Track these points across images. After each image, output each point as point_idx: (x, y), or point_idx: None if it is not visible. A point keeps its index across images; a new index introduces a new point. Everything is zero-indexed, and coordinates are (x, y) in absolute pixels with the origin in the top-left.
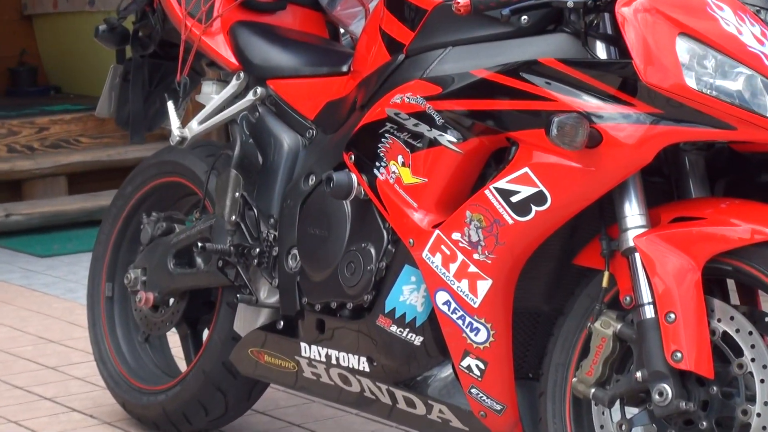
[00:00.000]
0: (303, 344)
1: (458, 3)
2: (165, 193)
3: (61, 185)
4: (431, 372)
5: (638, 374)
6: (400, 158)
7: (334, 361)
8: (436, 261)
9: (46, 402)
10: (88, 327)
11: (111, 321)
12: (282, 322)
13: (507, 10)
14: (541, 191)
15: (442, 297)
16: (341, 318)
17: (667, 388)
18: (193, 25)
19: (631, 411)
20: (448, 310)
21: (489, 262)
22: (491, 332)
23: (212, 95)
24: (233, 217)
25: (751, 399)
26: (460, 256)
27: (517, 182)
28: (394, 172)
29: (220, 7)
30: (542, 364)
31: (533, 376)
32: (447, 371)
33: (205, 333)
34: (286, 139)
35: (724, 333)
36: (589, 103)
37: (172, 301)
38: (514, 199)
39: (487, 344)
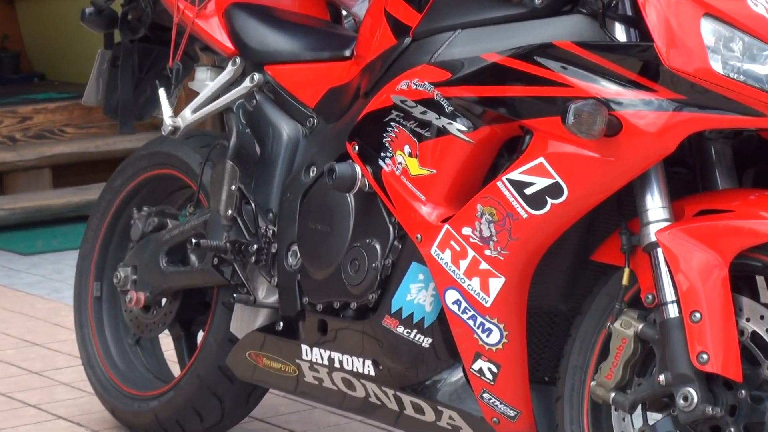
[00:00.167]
0: (304, 347)
1: None
2: (156, 187)
3: (45, 178)
4: (440, 376)
5: (661, 377)
6: (406, 148)
7: (337, 365)
8: (446, 257)
9: (30, 409)
10: (74, 329)
11: (99, 322)
12: (281, 323)
13: None
14: (556, 183)
15: (451, 296)
16: (344, 318)
17: (693, 392)
18: (186, 8)
19: (654, 417)
20: (459, 309)
21: (501, 258)
22: (504, 333)
23: (206, 82)
24: (229, 211)
25: None
26: (471, 253)
27: (531, 173)
28: (400, 163)
29: None
30: (559, 367)
31: (549, 379)
32: (457, 375)
33: (200, 335)
34: (286, 128)
35: (754, 333)
36: (608, 88)
37: (164, 301)
38: (528, 191)
39: (499, 346)
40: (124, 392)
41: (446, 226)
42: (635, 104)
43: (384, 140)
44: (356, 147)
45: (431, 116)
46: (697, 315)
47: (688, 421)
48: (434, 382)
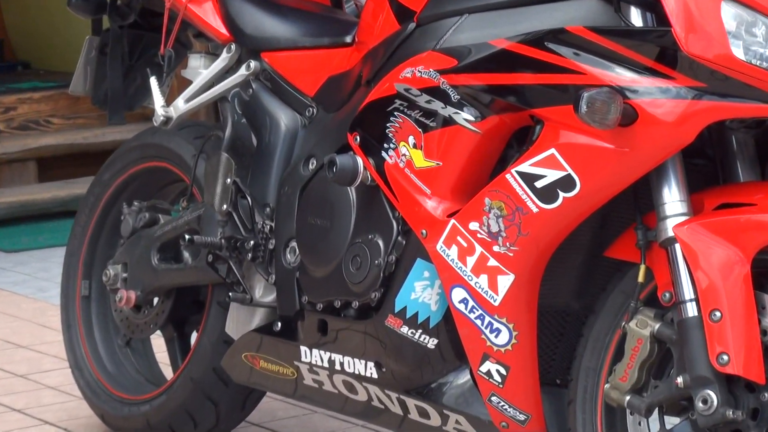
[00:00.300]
0: (303, 348)
1: None
2: (148, 180)
3: (30, 171)
4: (447, 378)
5: (679, 379)
6: (411, 139)
7: (338, 367)
8: (452, 254)
9: (15, 414)
10: (61, 330)
11: (88, 323)
12: (279, 324)
13: None
14: (568, 175)
15: (458, 294)
16: (346, 318)
17: (712, 395)
18: None
19: (671, 421)
20: (466, 308)
21: (511, 255)
22: (513, 333)
23: (200, 70)
24: (224, 206)
25: None
26: (479, 249)
27: (542, 165)
28: (404, 155)
29: None
30: (571, 368)
31: (561, 382)
32: (464, 377)
33: (194, 336)
34: (283, 118)
35: None
36: (623, 76)
37: (156, 300)
38: (538, 184)
39: (509, 347)
40: (114, 396)
41: (453, 221)
42: (652, 92)
43: (387, 131)
44: (358, 138)
45: (437, 105)
46: (717, 314)
47: (708, 426)
48: (440, 385)
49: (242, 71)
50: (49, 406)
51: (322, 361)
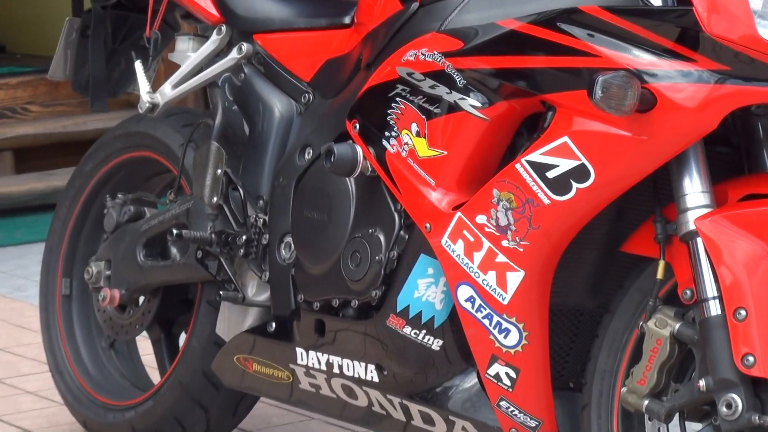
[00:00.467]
0: (299, 350)
1: None
2: (133, 171)
3: (6, 162)
4: (452, 382)
5: (701, 382)
6: (413, 127)
7: (336, 370)
8: (458, 249)
9: None
10: (41, 331)
11: (69, 324)
12: (274, 324)
13: None
14: (582, 165)
15: (464, 292)
16: (344, 318)
17: (737, 399)
18: None
19: (693, 427)
20: (472, 307)
21: (521, 250)
22: (524, 334)
23: (188, 53)
24: (215, 198)
25: None
26: (486, 244)
27: (554, 154)
28: (406, 144)
29: None
30: (585, 371)
31: (574, 385)
32: (471, 381)
33: (182, 337)
34: (278, 104)
35: None
36: (641, 58)
37: (142, 299)
38: (550, 174)
39: (518, 348)
40: (97, 402)
41: (458, 213)
42: (671, 76)
43: (388, 118)
44: (357, 126)
45: (441, 91)
46: (742, 312)
47: (733, 431)
48: (445, 389)
49: (233, 54)
50: (28, 412)
51: (319, 363)
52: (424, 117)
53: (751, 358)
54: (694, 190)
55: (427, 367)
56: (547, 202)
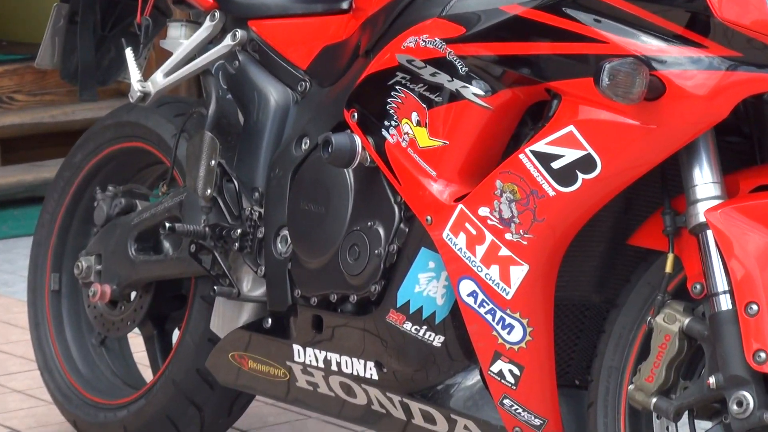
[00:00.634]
0: (296, 347)
1: None
2: (123, 162)
3: None
4: (454, 379)
5: (711, 380)
6: (414, 116)
7: (334, 367)
8: (460, 242)
9: None
10: (29, 328)
11: (58, 320)
12: (270, 320)
13: None
14: (588, 155)
15: (467, 287)
16: (343, 314)
17: (748, 397)
18: None
19: (703, 425)
20: (475, 302)
21: (525, 243)
22: (528, 330)
23: (180, 40)
24: (208, 190)
25: None
26: (489, 237)
27: (559, 144)
28: (407, 134)
29: None
30: (591, 368)
31: (580, 383)
32: (473, 378)
33: (176, 334)
34: (273, 93)
35: None
36: (649, 44)
37: (133, 295)
38: (555, 164)
39: (522, 344)
40: (88, 400)
41: (460, 206)
42: (681, 63)
43: (388, 107)
44: (355, 115)
45: (443, 78)
46: (754, 307)
47: (743, 430)
48: (447, 387)
49: (227, 41)
50: (16, 411)
51: (316, 360)
52: (424, 106)
53: (763, 355)
54: (705, 181)
55: (428, 364)
56: (552, 193)
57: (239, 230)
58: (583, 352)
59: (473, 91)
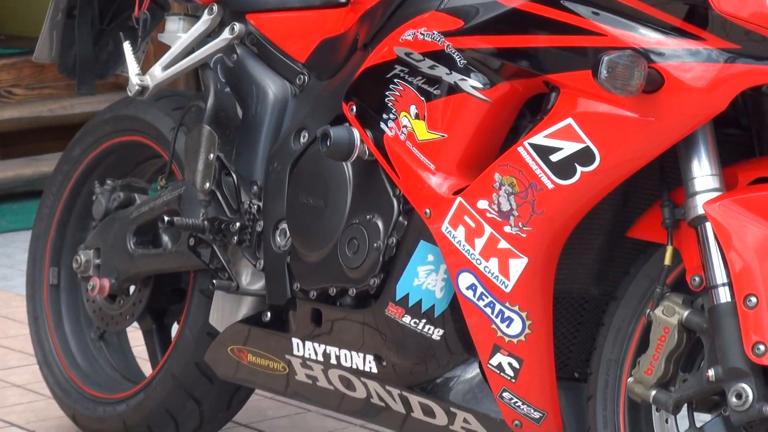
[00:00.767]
0: (295, 340)
1: None
2: (122, 156)
3: None
4: (453, 372)
5: (710, 372)
6: (412, 109)
7: (333, 361)
8: (459, 235)
9: None
10: (28, 322)
11: (57, 315)
12: (269, 314)
13: None
14: (587, 147)
15: (466, 280)
16: (342, 307)
17: (747, 389)
18: None
19: (702, 418)
20: (474, 295)
21: (524, 236)
22: (527, 323)
23: (179, 34)
24: (207, 184)
25: None
26: (488, 230)
27: (557, 137)
28: (405, 127)
29: None
30: (590, 361)
31: (579, 375)
32: (473, 371)
33: (175, 328)
34: (272, 86)
35: None
36: (648, 37)
37: (132, 289)
38: (554, 157)
39: (521, 337)
40: (87, 395)
41: (459, 198)
42: (679, 55)
43: (386, 100)
44: (354, 108)
45: (441, 71)
46: (753, 299)
47: (742, 423)
48: (446, 380)
49: (225, 35)
50: (15, 406)
51: (316, 354)
52: (423, 99)
53: (762, 347)
54: (703, 174)
55: (427, 358)
56: (550, 186)
57: (238, 224)
58: (583, 344)
59: (472, 83)
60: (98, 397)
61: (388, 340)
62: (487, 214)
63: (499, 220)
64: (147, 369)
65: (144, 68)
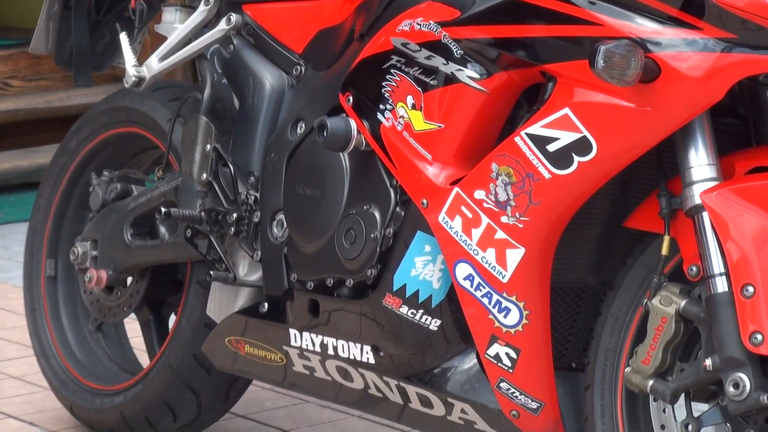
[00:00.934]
0: (292, 331)
1: None
2: (119, 147)
3: None
4: (451, 363)
5: (707, 362)
6: (409, 99)
7: (331, 352)
8: (456, 226)
9: None
10: (25, 314)
11: (54, 306)
12: (266, 305)
13: None
14: (584, 137)
15: (463, 270)
16: (339, 298)
17: (745, 379)
18: None
19: (699, 407)
20: (471, 286)
21: (521, 226)
22: (524, 313)
23: (175, 25)
24: (204, 175)
25: None
26: (485, 220)
27: (554, 126)
28: (402, 117)
29: None
30: (588, 351)
31: (577, 365)
32: (470, 362)
33: (172, 319)
34: (268, 77)
35: None
36: (644, 27)
37: (129, 280)
38: (551, 147)
39: (519, 327)
40: (84, 386)
41: (456, 189)
42: (676, 44)
43: (383, 90)
44: (351, 98)
45: (438, 62)
46: (750, 289)
47: (740, 412)
48: (444, 371)
49: (222, 26)
50: (13, 398)
51: (313, 345)
52: (420, 89)
53: (759, 336)
54: (700, 163)
55: (424, 348)
56: (547, 176)
57: (235, 215)
58: (580, 334)
59: (468, 74)
60: (96, 389)
61: (385, 331)
62: (484, 204)
63: (496, 210)
64: (144, 360)
65: (141, 59)
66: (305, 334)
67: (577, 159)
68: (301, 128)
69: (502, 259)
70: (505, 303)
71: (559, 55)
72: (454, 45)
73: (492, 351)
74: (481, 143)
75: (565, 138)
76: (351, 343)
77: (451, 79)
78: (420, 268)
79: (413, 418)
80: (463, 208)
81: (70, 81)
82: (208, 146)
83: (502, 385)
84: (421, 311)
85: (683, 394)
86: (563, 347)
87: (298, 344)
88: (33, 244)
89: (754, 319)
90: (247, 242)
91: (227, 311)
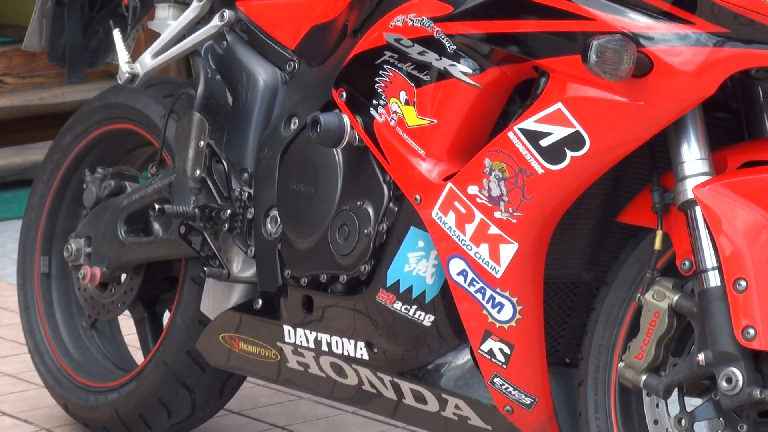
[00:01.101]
0: (286, 327)
1: None
2: (112, 144)
3: None
4: (445, 359)
5: (700, 356)
6: (402, 95)
7: (324, 348)
8: (449, 221)
9: None
10: (19, 311)
11: (48, 303)
12: (260, 301)
13: None
14: (577, 132)
15: (456, 266)
16: (333, 294)
17: (737, 373)
18: None
19: (693, 402)
20: (465, 281)
21: (514, 221)
22: (518, 308)
23: (169, 21)
24: (198, 171)
25: None
26: (479, 215)
27: (547, 121)
28: (395, 113)
29: None
30: (581, 346)
31: (570, 361)
32: (464, 357)
33: (166, 316)
34: (262, 73)
35: None
36: (637, 21)
37: (123, 277)
38: (544, 142)
39: (512, 323)
40: (79, 384)
41: (449, 184)
42: (668, 39)
43: (376, 86)
44: (344, 94)
45: (431, 57)
46: (743, 283)
47: (733, 406)
48: (437, 366)
49: (215, 22)
50: (7, 395)
51: (307, 341)
52: (413, 84)
53: (751, 331)
54: (693, 158)
55: (418, 344)
56: (540, 171)
57: (229, 211)
58: (573, 330)
59: (461, 69)
60: (90, 386)
61: (379, 327)
62: (478, 200)
63: (490, 205)
64: (139, 357)
65: (134, 56)
66: (299, 331)
67: (570, 154)
68: (294, 124)
69: (495, 255)
70: (498, 298)
71: (551, 50)
72: (447, 40)
73: (486, 346)
74: (474, 138)
75: (558, 133)
76: (345, 340)
77: (444, 75)
78: (413, 264)
79: (407, 413)
80: (456, 203)
81: (64, 78)
82: (202, 143)
83: (496, 380)
84: (414, 307)
85: (676, 389)
86: (557, 342)
87: (292, 340)
88: (27, 241)
89: (746, 313)
90: (240, 238)
91: (221, 308)
